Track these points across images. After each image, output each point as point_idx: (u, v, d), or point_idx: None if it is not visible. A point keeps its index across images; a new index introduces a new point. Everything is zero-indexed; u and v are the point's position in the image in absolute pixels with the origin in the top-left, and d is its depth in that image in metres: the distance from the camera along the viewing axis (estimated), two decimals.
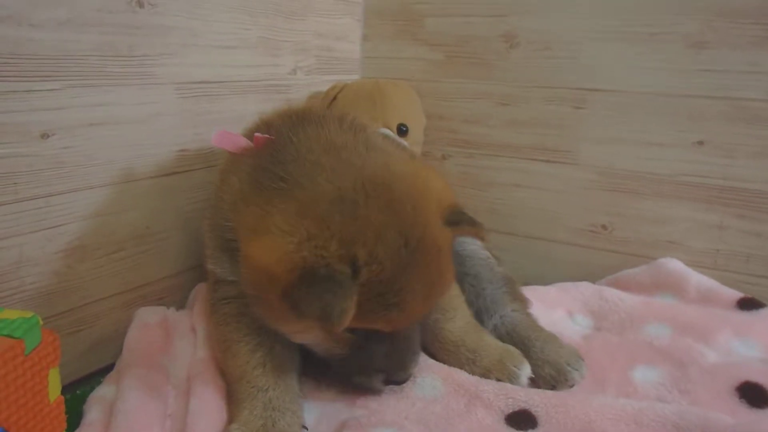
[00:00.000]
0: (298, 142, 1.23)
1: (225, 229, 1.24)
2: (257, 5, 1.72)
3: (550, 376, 1.34)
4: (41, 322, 0.99)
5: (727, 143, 1.68)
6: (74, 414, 1.18)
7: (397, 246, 1.07)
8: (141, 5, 1.40)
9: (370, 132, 1.38)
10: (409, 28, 2.11)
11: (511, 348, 1.37)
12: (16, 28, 1.19)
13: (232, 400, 1.19)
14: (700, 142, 1.71)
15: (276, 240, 1.05)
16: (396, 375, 1.22)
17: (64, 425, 1.06)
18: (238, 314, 1.26)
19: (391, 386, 1.25)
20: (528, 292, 1.64)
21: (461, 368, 1.33)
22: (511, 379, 1.30)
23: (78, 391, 1.31)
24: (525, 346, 1.39)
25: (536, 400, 1.20)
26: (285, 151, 1.22)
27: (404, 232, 1.08)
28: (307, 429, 1.18)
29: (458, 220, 1.20)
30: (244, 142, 1.31)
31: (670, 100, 1.73)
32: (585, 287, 1.70)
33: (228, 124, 1.66)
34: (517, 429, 1.15)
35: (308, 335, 1.16)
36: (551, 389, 1.31)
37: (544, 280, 1.78)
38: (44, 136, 1.27)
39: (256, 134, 1.28)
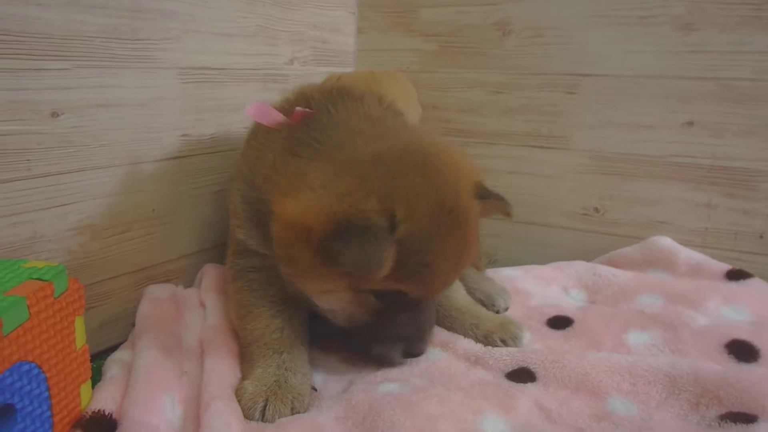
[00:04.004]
0: (336, 113, 1.27)
1: (258, 201, 1.27)
2: None
3: (479, 301, 1.47)
4: (66, 271, 1.03)
5: (716, 123, 1.72)
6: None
7: (435, 208, 1.12)
8: None
9: (406, 117, 1.42)
10: (403, 19, 2.14)
11: (510, 317, 1.43)
12: (24, 6, 1.22)
13: (246, 360, 1.23)
14: (690, 123, 1.75)
15: (312, 195, 1.10)
16: (415, 345, 1.24)
17: (89, 372, 1.09)
18: (264, 283, 1.30)
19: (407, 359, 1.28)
20: (523, 270, 1.71)
21: (465, 333, 1.38)
22: (514, 338, 1.35)
23: (94, 364, 1.32)
24: (463, 278, 1.50)
25: (533, 359, 1.24)
26: (322, 121, 1.26)
27: (441, 197, 1.13)
28: (316, 390, 1.21)
29: (488, 194, 1.26)
30: (280, 117, 1.32)
31: (660, 82, 1.77)
32: (579, 265, 1.75)
33: (229, 111, 1.70)
34: (517, 382, 1.19)
35: (335, 296, 1.18)
36: None
37: (540, 264, 1.81)
38: (54, 114, 1.30)
39: (297, 108, 1.29)
